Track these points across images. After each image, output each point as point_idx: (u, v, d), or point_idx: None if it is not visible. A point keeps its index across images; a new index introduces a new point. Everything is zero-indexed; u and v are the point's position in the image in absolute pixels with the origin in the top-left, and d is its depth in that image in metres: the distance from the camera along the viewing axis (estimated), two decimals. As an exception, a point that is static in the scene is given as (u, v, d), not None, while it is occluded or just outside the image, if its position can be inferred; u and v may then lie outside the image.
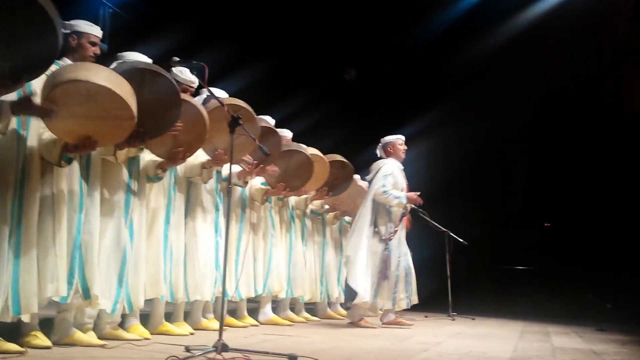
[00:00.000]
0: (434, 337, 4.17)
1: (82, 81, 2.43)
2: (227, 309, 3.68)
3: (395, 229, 4.93)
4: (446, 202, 8.94)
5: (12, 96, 2.51)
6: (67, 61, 2.95)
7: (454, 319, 6.04)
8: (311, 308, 5.66)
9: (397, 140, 5.19)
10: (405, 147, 5.22)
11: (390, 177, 4.92)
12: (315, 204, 5.47)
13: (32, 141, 2.72)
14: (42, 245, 2.72)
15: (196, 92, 3.98)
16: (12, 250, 2.57)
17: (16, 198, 2.62)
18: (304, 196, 5.15)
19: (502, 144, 9.21)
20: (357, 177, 5.69)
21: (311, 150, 4.68)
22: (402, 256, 4.96)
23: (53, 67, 2.66)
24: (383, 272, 4.81)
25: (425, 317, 6.18)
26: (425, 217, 6.77)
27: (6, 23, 2.17)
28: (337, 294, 5.72)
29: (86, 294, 2.89)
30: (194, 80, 3.72)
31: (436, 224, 6.59)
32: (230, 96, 4.01)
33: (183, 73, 3.70)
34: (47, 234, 2.75)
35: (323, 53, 7.94)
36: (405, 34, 7.82)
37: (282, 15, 7.00)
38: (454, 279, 6.58)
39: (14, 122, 2.60)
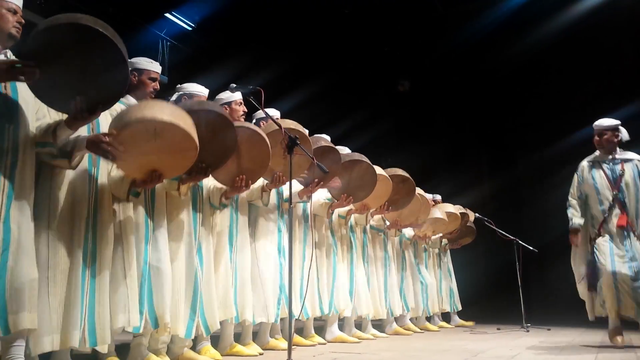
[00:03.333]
0: (509, 351, 4.03)
1: (149, 120, 2.54)
2: (294, 328, 3.71)
3: None
4: (514, 210, 8.72)
5: (83, 130, 2.66)
6: (130, 99, 3.10)
7: (528, 331, 5.82)
8: (378, 324, 5.61)
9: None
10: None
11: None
12: (375, 219, 5.45)
13: (102, 178, 2.86)
14: (113, 277, 2.83)
15: (251, 114, 4.09)
16: (88, 283, 2.68)
17: (89, 232, 2.74)
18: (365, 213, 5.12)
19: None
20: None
21: (376, 170, 4.66)
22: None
23: (118, 107, 2.81)
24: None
25: (498, 329, 5.99)
26: (491, 225, 6.62)
27: (82, 58, 2.31)
28: (401, 309, 5.64)
29: (154, 323, 2.99)
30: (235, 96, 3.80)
31: (504, 233, 6.42)
32: (286, 116, 4.09)
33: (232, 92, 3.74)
34: (118, 266, 2.86)
35: (374, 68, 7.95)
36: (455, 42, 7.71)
37: (331, 34, 7.07)
38: (525, 288, 6.36)
39: (85, 160, 2.75)
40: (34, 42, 2.26)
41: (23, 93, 2.46)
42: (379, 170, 4.73)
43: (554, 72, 8.29)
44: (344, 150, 4.95)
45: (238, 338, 3.84)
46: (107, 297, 2.75)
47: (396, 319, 5.74)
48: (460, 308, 7.04)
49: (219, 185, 3.54)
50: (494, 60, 7.80)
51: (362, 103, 7.93)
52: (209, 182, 3.54)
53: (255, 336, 4.02)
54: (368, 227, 5.40)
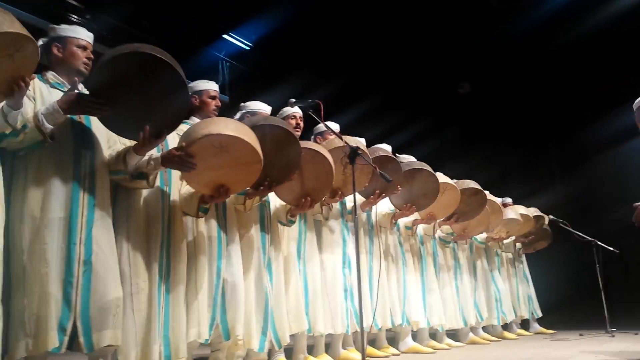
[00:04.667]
0: (594, 357, 3.82)
1: (215, 134, 2.61)
2: (366, 339, 3.67)
3: None
4: (590, 210, 8.32)
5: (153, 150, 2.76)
6: (195, 120, 3.20)
7: (613, 336, 5.50)
8: (453, 334, 5.47)
9: None
10: None
11: None
12: (444, 230, 5.33)
13: (174, 196, 2.97)
14: (187, 292, 2.91)
15: (311, 128, 4.11)
16: (163, 298, 2.77)
17: (164, 248, 2.83)
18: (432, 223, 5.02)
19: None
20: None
21: (441, 178, 4.58)
22: None
23: (183, 127, 2.92)
24: None
25: (580, 335, 5.70)
26: (567, 227, 6.34)
27: (144, 86, 2.41)
28: (474, 318, 5.48)
29: (227, 335, 3.03)
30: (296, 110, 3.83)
31: (581, 234, 6.13)
32: (347, 129, 4.10)
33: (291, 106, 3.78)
34: (191, 280, 2.95)
35: (433, 73, 7.83)
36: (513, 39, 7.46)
37: (386, 44, 7.03)
38: (608, 291, 6.02)
39: (157, 180, 2.86)
40: (98, 76, 2.37)
41: (95, 121, 2.58)
42: (445, 178, 4.64)
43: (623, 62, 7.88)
44: (408, 158, 4.89)
45: (311, 350, 3.85)
46: (183, 312, 2.83)
47: (472, 328, 5.58)
48: (540, 315, 6.73)
49: (286, 204, 3.59)
50: (556, 53, 7.49)
51: (423, 110, 7.82)
52: (276, 200, 3.59)
53: (328, 348, 4.01)
54: (436, 237, 5.29)
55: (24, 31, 1.99)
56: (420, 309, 4.70)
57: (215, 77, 6.48)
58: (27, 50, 2.04)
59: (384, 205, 4.55)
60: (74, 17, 4.94)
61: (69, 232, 2.39)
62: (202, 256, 3.02)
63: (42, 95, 2.48)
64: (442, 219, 4.95)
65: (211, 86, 3.32)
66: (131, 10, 5.12)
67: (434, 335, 5.08)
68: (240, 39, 6.64)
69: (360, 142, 3.79)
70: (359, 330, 3.76)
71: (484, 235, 5.88)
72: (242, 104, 3.72)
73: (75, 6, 4.97)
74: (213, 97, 3.29)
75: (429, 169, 4.46)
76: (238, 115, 3.69)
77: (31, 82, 2.43)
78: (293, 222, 3.69)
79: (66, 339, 2.32)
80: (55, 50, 2.59)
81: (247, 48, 6.77)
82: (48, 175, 2.41)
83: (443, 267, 5.28)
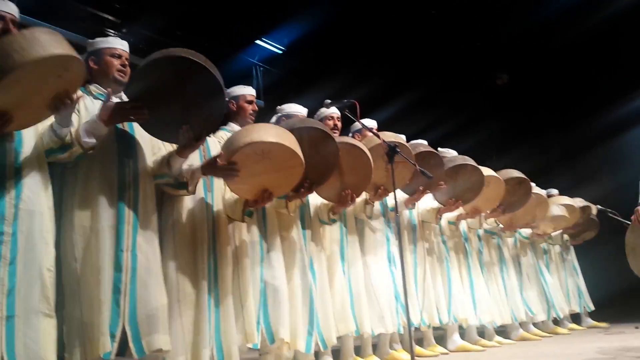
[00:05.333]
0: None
1: (257, 142, 2.64)
2: (415, 338, 3.63)
3: None
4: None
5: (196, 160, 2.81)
6: (233, 126, 3.24)
7: (671, 327, 5.29)
8: (502, 330, 5.35)
9: None
10: None
11: None
12: (489, 223, 5.23)
13: (217, 201, 3.00)
14: (234, 297, 2.93)
15: (348, 126, 4.10)
16: (213, 303, 2.80)
17: (211, 254, 2.87)
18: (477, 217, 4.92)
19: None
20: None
21: (485, 172, 4.49)
22: None
23: (223, 134, 2.95)
24: None
25: (636, 327, 5.49)
26: (616, 217, 6.13)
27: (181, 90, 2.44)
28: (524, 314, 5.34)
29: (271, 338, 3.04)
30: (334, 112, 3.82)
31: (629, 223, 5.91)
32: (385, 126, 4.07)
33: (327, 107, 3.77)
34: (235, 285, 2.97)
35: (470, 66, 7.69)
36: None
37: (421, 40, 6.94)
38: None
39: (200, 187, 2.89)
40: (137, 82, 2.41)
41: (139, 129, 2.63)
42: (488, 171, 4.55)
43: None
44: (450, 152, 4.82)
45: (358, 351, 3.83)
46: (232, 316, 2.85)
47: (522, 324, 5.44)
48: (592, 308, 6.51)
49: (326, 202, 3.58)
50: (598, 36, 7.23)
51: (462, 104, 7.69)
52: (316, 199, 3.58)
53: (375, 348, 3.98)
54: (482, 231, 5.20)
55: (72, 51, 2.03)
56: (468, 305, 4.62)
57: (250, 82, 6.53)
58: (75, 70, 2.08)
59: (428, 201, 4.49)
60: (111, 32, 5.06)
61: (116, 240, 2.44)
62: (245, 261, 3.05)
63: (87, 107, 2.54)
64: (487, 212, 4.86)
65: (248, 91, 3.34)
66: (165, 22, 5.21)
67: (482, 333, 4.97)
68: (273, 44, 6.68)
69: (400, 138, 3.75)
70: (407, 328, 3.74)
71: (528, 231, 5.74)
72: (278, 107, 3.74)
73: (111, 21, 5.09)
74: (250, 102, 3.31)
75: (473, 162, 4.39)
76: (274, 119, 3.70)
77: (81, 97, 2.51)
78: (335, 221, 3.67)
79: (116, 344, 2.36)
80: (91, 64, 2.65)
81: (280, 52, 6.81)
82: (95, 184, 2.47)
83: (488, 263, 5.17)
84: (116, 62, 2.63)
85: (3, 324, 2.06)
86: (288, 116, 3.63)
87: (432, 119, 6.72)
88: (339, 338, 3.58)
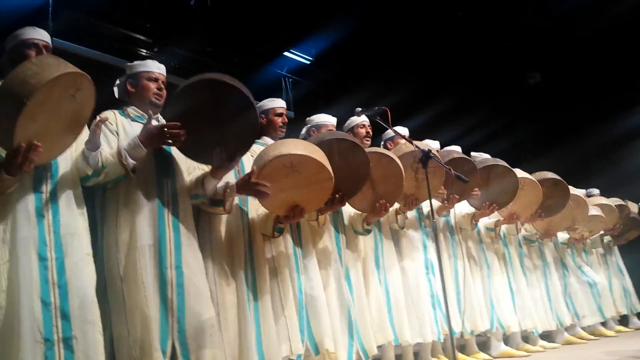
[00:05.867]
0: None
1: (285, 155, 2.66)
2: (456, 345, 3.57)
3: None
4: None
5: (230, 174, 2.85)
6: (266, 139, 3.27)
7: None
8: (546, 335, 5.22)
9: None
10: None
11: None
12: (527, 229, 5.12)
13: (252, 214, 3.04)
14: (273, 309, 2.94)
15: (379, 134, 4.09)
16: (253, 315, 2.82)
17: (248, 268, 2.90)
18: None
19: None
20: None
21: (519, 173, 4.42)
22: None
23: (255, 148, 2.98)
24: None
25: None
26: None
27: (215, 111, 2.50)
28: (569, 318, 5.20)
29: (315, 350, 3.03)
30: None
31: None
32: (417, 134, 4.05)
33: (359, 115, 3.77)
34: (276, 297, 2.98)
35: (501, 67, 7.57)
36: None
37: (450, 43, 6.87)
38: None
39: (235, 201, 2.93)
40: (173, 107, 2.49)
41: (175, 149, 2.68)
42: (523, 173, 4.47)
43: None
44: (482, 156, 4.76)
45: (399, 360, 3.80)
46: (273, 328, 2.86)
47: (567, 328, 5.30)
48: (639, 309, 6.32)
49: (360, 212, 3.57)
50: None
51: (494, 107, 7.57)
52: (349, 208, 3.57)
53: (417, 357, 3.93)
54: (520, 237, 5.09)
55: (78, 70, 2.09)
56: (510, 311, 4.53)
57: (280, 94, 6.58)
58: (86, 88, 2.13)
59: (463, 206, 4.44)
60: (143, 51, 5.17)
61: (159, 258, 2.48)
62: (283, 272, 3.05)
63: (125, 129, 2.60)
64: (525, 218, 4.76)
65: (277, 104, 3.37)
66: (195, 39, 5.30)
67: (526, 338, 4.87)
68: (301, 54, 6.71)
69: (430, 145, 3.72)
70: (448, 336, 3.69)
71: (566, 236, 5.60)
72: (308, 119, 3.75)
73: (143, 41, 5.19)
74: (279, 115, 3.33)
75: (504, 163, 4.32)
76: (304, 130, 3.72)
77: (114, 117, 2.59)
78: (369, 231, 3.66)
79: None
80: (129, 87, 2.72)
81: (308, 62, 6.84)
82: (135, 204, 2.52)
83: (530, 267, 5.06)
84: (153, 86, 2.69)
85: (61, 346, 2.12)
86: (318, 126, 3.64)
87: (465, 123, 6.64)
88: (378, 347, 3.55)
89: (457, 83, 7.13)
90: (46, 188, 2.28)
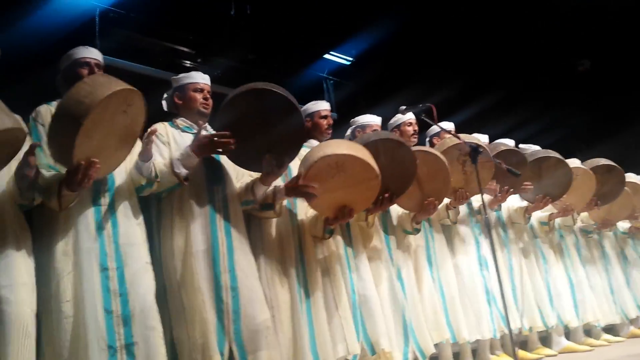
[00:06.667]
0: None
1: (330, 155, 2.68)
2: (516, 341, 3.50)
3: None
4: None
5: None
6: (311, 142, 3.28)
7: None
8: (610, 328, 5.03)
9: None
10: None
11: None
12: (583, 220, 4.95)
13: (301, 217, 3.07)
14: (327, 309, 2.95)
15: (424, 131, 4.05)
16: (306, 316, 2.84)
17: (299, 269, 2.92)
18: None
19: None
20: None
21: (572, 163, 4.28)
22: None
23: (302, 151, 3.00)
24: None
25: None
26: None
27: (262, 119, 2.55)
28: (634, 310, 4.97)
29: (371, 350, 3.02)
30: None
31: None
32: (465, 128, 3.99)
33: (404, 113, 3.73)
34: (329, 297, 2.99)
35: (549, 55, 7.35)
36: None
37: (494, 33, 6.72)
38: None
39: (284, 204, 2.96)
40: (222, 117, 2.55)
41: (224, 157, 2.74)
42: (576, 163, 4.33)
43: None
44: (532, 148, 4.64)
45: (457, 358, 3.74)
46: (326, 329, 2.87)
47: (632, 321, 5.10)
48: None
49: (407, 211, 3.55)
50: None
51: (544, 97, 7.37)
52: (398, 209, 3.55)
53: (475, 355, 3.86)
54: (576, 228, 4.93)
55: (129, 86, 2.15)
56: (570, 305, 4.39)
57: (321, 96, 6.60)
58: (136, 103, 2.20)
59: (515, 200, 4.34)
60: (187, 63, 5.29)
61: (213, 263, 2.53)
62: (335, 272, 3.06)
63: (175, 140, 2.68)
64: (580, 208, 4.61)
65: (321, 106, 3.38)
66: (237, 48, 5.38)
67: (588, 331, 4.71)
68: (341, 56, 6.71)
69: (478, 139, 3.65)
70: (507, 333, 3.61)
71: (626, 225, 5.38)
72: (352, 120, 3.76)
73: (186, 52, 5.31)
74: (324, 117, 3.35)
75: (556, 155, 4.19)
76: (349, 132, 3.73)
77: (164, 129, 2.67)
78: (419, 230, 3.63)
79: None
80: (176, 99, 2.80)
81: (348, 63, 6.83)
82: (188, 211, 2.58)
83: (589, 259, 4.89)
84: (199, 96, 2.76)
85: (124, 352, 2.19)
86: (362, 127, 3.64)
87: (514, 116, 6.47)
88: (435, 345, 3.51)
89: (504, 76, 6.98)
90: (104, 201, 2.37)
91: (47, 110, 2.40)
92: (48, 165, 2.24)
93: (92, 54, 2.54)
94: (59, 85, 2.53)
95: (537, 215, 4.54)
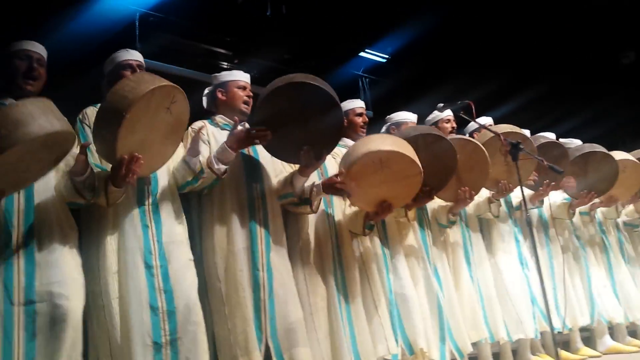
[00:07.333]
0: None
1: (374, 151, 2.68)
2: (558, 342, 3.42)
3: None
4: None
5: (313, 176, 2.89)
6: (346, 141, 3.29)
7: None
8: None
9: None
10: None
11: None
12: (628, 213, 4.80)
13: (338, 215, 3.07)
14: (365, 309, 2.96)
15: (463, 126, 4.00)
16: (345, 314, 2.85)
17: (337, 268, 2.93)
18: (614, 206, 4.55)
19: None
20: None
21: (618, 156, 4.17)
22: None
23: (337, 150, 3.01)
24: None
25: None
26: None
27: (301, 112, 2.56)
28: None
29: (409, 349, 3.02)
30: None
31: None
32: (503, 121, 3.93)
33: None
34: (367, 297, 2.99)
35: (592, 47, 7.15)
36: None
37: (535, 27, 6.58)
38: None
39: (321, 203, 2.97)
40: (260, 111, 2.57)
41: (262, 152, 2.79)
42: (623, 155, 4.20)
43: None
44: (575, 142, 4.53)
45: (497, 358, 3.68)
46: (366, 328, 2.88)
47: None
48: None
49: (443, 203, 3.51)
50: None
51: (587, 90, 7.17)
52: (432, 203, 3.52)
53: (515, 355, 3.80)
54: (620, 222, 4.79)
55: (172, 83, 2.18)
56: (613, 304, 4.28)
57: (357, 94, 6.59)
58: (180, 100, 2.23)
59: (558, 195, 4.24)
60: (224, 64, 5.36)
61: (252, 260, 2.58)
62: (372, 272, 3.06)
63: (215, 138, 2.72)
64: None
65: (356, 104, 3.39)
66: (273, 48, 5.42)
67: (634, 332, 4.57)
68: (376, 53, 6.69)
69: (521, 131, 3.57)
70: (548, 332, 3.54)
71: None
72: (388, 117, 3.74)
73: (224, 54, 5.38)
74: (360, 115, 3.36)
75: (602, 149, 4.08)
76: (384, 129, 3.72)
77: (204, 127, 2.71)
78: (454, 222, 3.58)
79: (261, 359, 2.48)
80: (219, 95, 2.84)
81: (384, 60, 6.80)
82: (228, 208, 2.63)
83: (632, 255, 4.75)
84: (242, 94, 2.81)
85: (168, 348, 2.24)
86: (397, 124, 3.63)
87: (556, 110, 6.34)
88: (474, 345, 3.47)
89: (546, 70, 6.82)
90: (148, 200, 2.43)
91: (93, 112, 2.46)
92: (95, 165, 2.31)
93: (134, 56, 2.60)
94: (103, 88, 2.60)
95: (580, 208, 4.42)
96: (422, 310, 3.17)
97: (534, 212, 4.19)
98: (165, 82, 2.13)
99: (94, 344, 2.27)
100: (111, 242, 2.33)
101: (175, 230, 2.45)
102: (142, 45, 4.51)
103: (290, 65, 5.66)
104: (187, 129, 2.59)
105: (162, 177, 2.52)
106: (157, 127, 2.21)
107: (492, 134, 3.30)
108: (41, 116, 1.85)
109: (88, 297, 2.21)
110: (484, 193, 3.71)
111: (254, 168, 2.78)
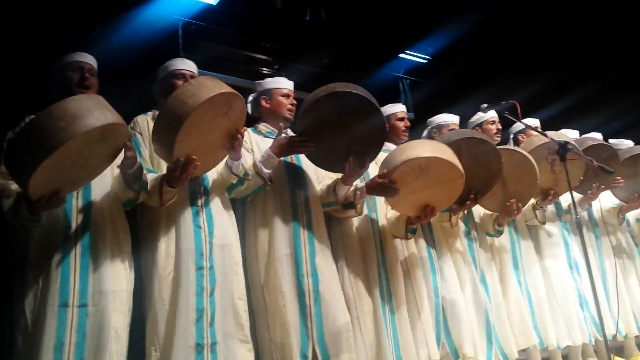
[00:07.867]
0: None
1: (413, 159, 2.65)
2: (611, 348, 3.31)
3: None
4: None
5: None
6: (388, 145, 3.26)
7: None
8: None
9: None
10: None
11: None
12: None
13: (381, 219, 3.06)
14: (409, 313, 2.94)
15: (508, 127, 3.91)
16: (389, 320, 2.83)
17: (381, 272, 2.92)
18: None
19: None
20: None
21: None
22: None
23: (379, 155, 2.99)
24: None
25: None
26: None
27: (343, 120, 2.56)
28: None
29: (455, 354, 2.98)
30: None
31: None
32: (553, 125, 3.84)
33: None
34: (411, 301, 2.97)
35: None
36: None
37: (578, 28, 6.39)
38: None
39: (364, 206, 2.96)
40: (303, 120, 2.59)
41: (305, 159, 2.80)
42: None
43: None
44: (625, 143, 4.39)
45: (547, 365, 3.60)
46: (409, 332, 2.86)
47: None
48: None
49: (490, 212, 3.45)
50: None
51: (638, 88, 6.92)
52: (479, 209, 3.47)
53: (566, 360, 3.70)
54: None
55: (231, 89, 2.22)
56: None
57: (398, 96, 6.54)
58: (238, 107, 2.27)
59: (607, 199, 4.11)
60: (265, 70, 5.41)
61: (296, 266, 2.58)
62: (418, 275, 3.04)
63: (258, 145, 2.76)
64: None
65: (397, 109, 3.38)
66: (313, 53, 5.43)
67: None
68: (417, 54, 6.62)
69: (567, 135, 3.50)
70: (600, 338, 3.43)
71: None
72: (429, 120, 3.71)
73: (264, 60, 5.43)
74: (401, 119, 3.34)
75: None
76: (425, 132, 3.69)
77: (247, 135, 2.74)
78: (501, 232, 3.53)
79: None
80: (263, 102, 2.86)
81: (425, 62, 6.72)
82: (271, 215, 2.65)
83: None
84: (286, 102, 2.83)
85: (209, 351, 2.27)
86: (439, 127, 3.60)
87: (606, 110, 6.14)
88: (523, 351, 3.40)
89: (596, 67, 6.61)
90: (200, 202, 2.47)
91: (144, 120, 2.54)
92: (147, 170, 2.37)
93: (187, 65, 2.65)
94: (156, 95, 2.66)
95: (633, 214, 4.29)
96: (468, 315, 3.13)
97: (584, 215, 4.07)
98: (225, 89, 2.17)
99: (153, 341, 2.29)
100: (166, 245, 2.37)
101: (226, 232, 2.49)
102: (185, 54, 4.60)
103: (330, 69, 5.66)
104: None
105: (213, 178, 2.56)
106: (214, 131, 2.26)
107: (539, 142, 3.24)
108: (96, 109, 1.90)
109: (144, 302, 2.26)
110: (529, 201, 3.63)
111: (297, 175, 2.80)
